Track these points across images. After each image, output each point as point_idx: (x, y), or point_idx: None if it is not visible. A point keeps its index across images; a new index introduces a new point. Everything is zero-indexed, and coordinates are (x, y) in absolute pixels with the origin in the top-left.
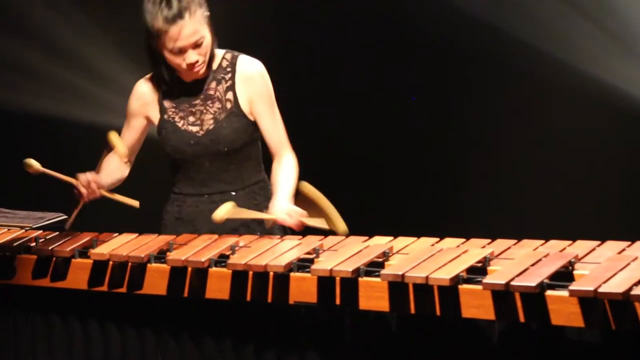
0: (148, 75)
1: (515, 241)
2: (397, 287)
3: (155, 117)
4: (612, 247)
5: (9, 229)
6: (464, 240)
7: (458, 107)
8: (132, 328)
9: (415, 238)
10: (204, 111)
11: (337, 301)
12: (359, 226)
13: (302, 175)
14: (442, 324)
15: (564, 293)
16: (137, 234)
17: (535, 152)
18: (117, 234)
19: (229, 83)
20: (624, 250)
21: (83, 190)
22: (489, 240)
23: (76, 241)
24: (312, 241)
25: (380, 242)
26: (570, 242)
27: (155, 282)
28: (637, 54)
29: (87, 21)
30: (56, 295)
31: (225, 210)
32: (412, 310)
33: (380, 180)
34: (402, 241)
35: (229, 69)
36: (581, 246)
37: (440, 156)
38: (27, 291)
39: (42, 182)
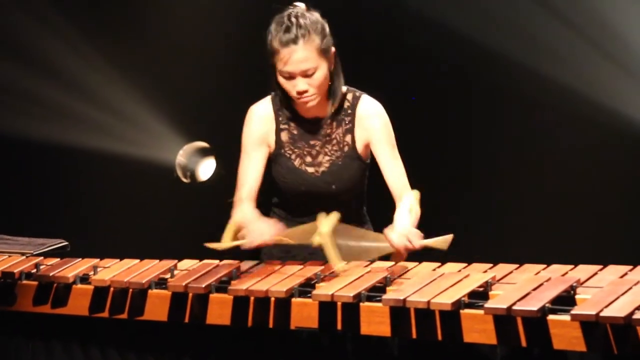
0: (265, 100)
1: (517, 265)
2: (399, 312)
3: (272, 145)
4: (613, 271)
5: (10, 256)
6: (465, 264)
7: (459, 130)
8: (134, 354)
9: (417, 263)
10: (321, 152)
11: (339, 326)
12: None
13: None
14: (444, 349)
15: (565, 317)
16: (138, 260)
17: (538, 176)
18: (118, 260)
19: (348, 126)
20: (625, 274)
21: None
22: (491, 265)
23: (77, 267)
24: (314, 267)
25: (382, 267)
26: (572, 266)
27: (156, 308)
28: (638, 76)
29: (91, 49)
30: (57, 322)
31: (330, 224)
32: (414, 335)
33: (380, 204)
34: (403, 266)
35: (349, 111)
36: (583, 270)
37: (441, 180)
38: (28, 318)
39: (43, 209)
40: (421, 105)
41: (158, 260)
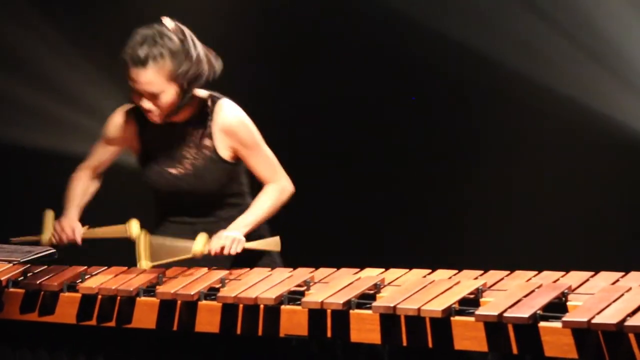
0: (129, 104)
1: (508, 272)
2: (389, 319)
3: (135, 149)
4: (605, 277)
5: None
6: (456, 271)
7: (450, 139)
8: None
9: (407, 270)
10: (182, 155)
11: (329, 334)
12: (350, 258)
13: (296, 206)
14: (435, 356)
15: (557, 324)
16: (126, 267)
17: (529, 183)
18: (105, 267)
19: (207, 130)
20: (617, 281)
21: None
22: (482, 272)
23: (65, 275)
24: (303, 273)
25: (372, 274)
26: (563, 273)
27: (145, 316)
28: (635, 86)
29: (82, 58)
30: (44, 330)
31: (202, 243)
32: (404, 343)
33: (372, 212)
34: (393, 273)
35: (208, 116)
36: (574, 277)
37: (432, 188)
38: (15, 326)
39: (30, 216)
40: (414, 112)
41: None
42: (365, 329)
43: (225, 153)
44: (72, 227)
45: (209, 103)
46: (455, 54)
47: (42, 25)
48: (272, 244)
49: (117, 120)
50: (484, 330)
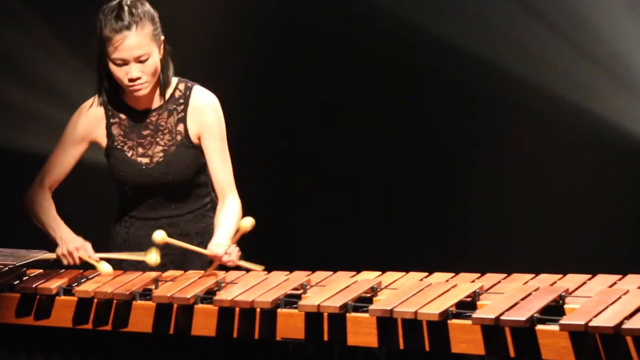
0: (94, 98)
1: (505, 275)
2: (386, 322)
3: (103, 142)
4: (602, 280)
5: None
6: (453, 274)
7: (449, 143)
8: None
9: (404, 273)
10: (154, 142)
11: (325, 337)
12: (347, 261)
13: (294, 208)
14: None
15: (554, 327)
16: (121, 271)
17: (525, 185)
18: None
19: (180, 115)
20: (614, 283)
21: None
22: (479, 275)
23: (60, 278)
24: (300, 277)
25: (368, 277)
26: (560, 275)
27: (141, 320)
28: (635, 89)
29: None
30: (40, 334)
31: (162, 235)
32: (401, 346)
33: (368, 215)
34: (390, 276)
35: (181, 100)
36: (572, 280)
37: (428, 191)
38: (11, 330)
39: (24, 220)
40: (413, 115)
41: (142, 271)
42: (362, 333)
43: (195, 138)
44: (83, 246)
45: (182, 87)
46: (456, 57)
47: (39, 29)
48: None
49: (82, 115)
50: (481, 334)
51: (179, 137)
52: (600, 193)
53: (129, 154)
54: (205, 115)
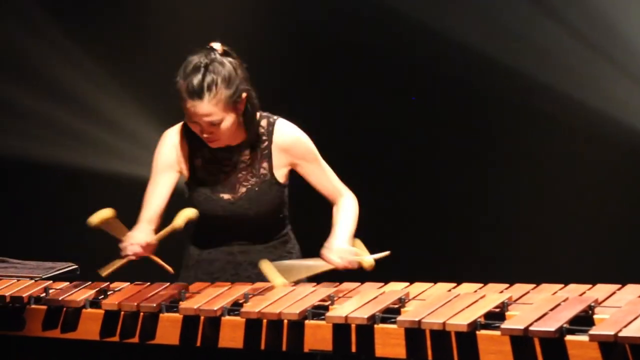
0: (179, 125)
1: (534, 285)
2: (414, 333)
3: (185, 172)
4: (632, 290)
5: (18, 280)
6: (481, 285)
7: (474, 150)
8: None
9: (432, 283)
10: (238, 178)
11: (353, 349)
12: (375, 272)
13: (319, 218)
14: None
15: (584, 338)
16: (148, 283)
17: (554, 195)
18: (128, 283)
19: (265, 152)
20: None
21: (137, 250)
22: (507, 285)
23: (87, 291)
24: (327, 288)
25: (396, 288)
26: (589, 285)
27: (168, 332)
28: None
29: (103, 72)
30: (67, 347)
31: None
32: (430, 357)
33: (396, 225)
34: (418, 287)
35: (264, 137)
36: (601, 290)
37: (457, 201)
38: (38, 343)
39: (51, 232)
40: (435, 122)
41: (169, 283)
42: (390, 344)
43: (281, 173)
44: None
45: (264, 124)
46: (467, 59)
47: (58, 36)
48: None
49: (168, 143)
50: (509, 344)
51: (263, 174)
52: (630, 202)
53: (211, 189)
54: (294, 150)
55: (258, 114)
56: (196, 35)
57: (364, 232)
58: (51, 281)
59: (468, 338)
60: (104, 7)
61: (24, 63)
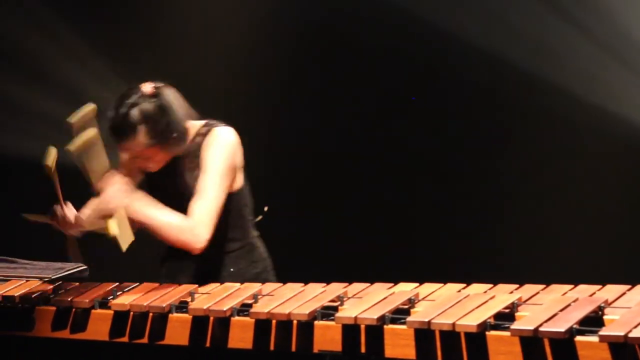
0: None
1: (544, 286)
2: (424, 334)
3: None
4: None
5: (27, 280)
6: (491, 285)
7: (481, 151)
8: None
9: (442, 284)
10: (184, 185)
11: (363, 349)
12: (384, 273)
13: (331, 219)
14: None
15: (594, 338)
16: (157, 284)
17: (564, 196)
18: (137, 284)
19: (198, 154)
20: None
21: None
22: (517, 286)
23: (96, 292)
24: (337, 288)
25: (406, 289)
26: (599, 286)
27: (177, 333)
28: None
29: (110, 72)
30: (76, 347)
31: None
32: (439, 358)
33: (406, 226)
34: (428, 287)
35: (199, 142)
36: (611, 290)
37: (466, 201)
38: (47, 343)
39: (60, 232)
40: (445, 123)
41: (178, 284)
42: (399, 344)
43: None
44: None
45: (204, 130)
46: (475, 59)
47: (64, 34)
48: (126, 238)
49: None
50: (519, 345)
51: (196, 176)
52: (638, 200)
53: (162, 197)
54: (207, 146)
55: (202, 122)
56: (203, 35)
57: (375, 232)
58: (60, 282)
59: (478, 339)
60: (111, 6)
61: (30, 62)
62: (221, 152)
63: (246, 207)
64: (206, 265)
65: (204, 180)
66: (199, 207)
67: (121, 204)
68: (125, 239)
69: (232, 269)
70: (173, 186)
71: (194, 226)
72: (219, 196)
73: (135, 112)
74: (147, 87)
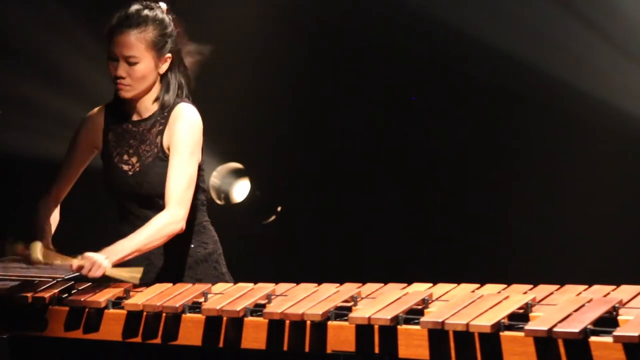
0: (99, 107)
1: (558, 286)
2: (437, 334)
3: (99, 145)
4: None
5: (40, 280)
6: (505, 286)
7: (496, 153)
8: None
9: (455, 284)
10: (136, 152)
11: (376, 350)
12: (398, 273)
13: (344, 220)
14: None
15: (608, 339)
16: (170, 284)
17: (578, 196)
18: (150, 284)
19: (160, 127)
20: None
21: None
22: (531, 286)
23: (109, 292)
24: (350, 289)
25: (420, 289)
26: (614, 286)
27: (190, 333)
28: None
29: None
30: (89, 347)
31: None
32: (453, 358)
33: (419, 226)
34: (441, 288)
35: (166, 114)
36: (625, 291)
37: (480, 202)
38: (60, 343)
39: (75, 233)
40: (451, 123)
41: (192, 284)
42: (413, 345)
43: (168, 151)
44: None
45: (173, 105)
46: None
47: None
48: (134, 272)
49: (86, 122)
50: (533, 346)
51: (155, 150)
52: None
53: (115, 160)
54: (176, 125)
55: (174, 98)
56: (218, 35)
57: (389, 233)
58: (73, 282)
59: (492, 339)
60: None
61: (43, 60)
62: (191, 129)
63: (199, 189)
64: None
65: (177, 159)
66: (175, 186)
67: (108, 266)
68: (134, 275)
69: (175, 252)
70: (127, 147)
71: (170, 215)
72: (192, 173)
73: (152, 12)
74: (165, 6)
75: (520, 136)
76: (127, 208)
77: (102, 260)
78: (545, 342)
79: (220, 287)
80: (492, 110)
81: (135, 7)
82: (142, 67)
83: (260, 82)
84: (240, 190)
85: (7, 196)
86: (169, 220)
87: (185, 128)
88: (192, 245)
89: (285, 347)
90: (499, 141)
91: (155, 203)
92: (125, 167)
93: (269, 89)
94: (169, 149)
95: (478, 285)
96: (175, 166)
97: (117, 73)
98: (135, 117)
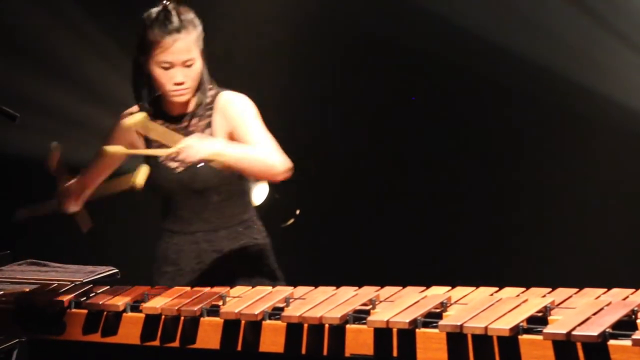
0: (135, 107)
1: (577, 290)
2: (456, 338)
3: (136, 147)
4: None
5: (59, 284)
6: (523, 289)
7: (513, 156)
8: None
9: (474, 288)
10: None
11: (394, 353)
12: (416, 276)
13: (363, 223)
14: None
15: (627, 343)
16: (189, 288)
17: (597, 198)
18: (168, 288)
19: (207, 120)
20: None
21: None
22: (550, 289)
23: (127, 295)
24: (368, 292)
25: (438, 292)
26: (633, 290)
27: (209, 336)
28: None
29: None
30: (107, 351)
31: (135, 120)
32: None
33: (438, 229)
34: (460, 291)
35: (209, 106)
36: None
37: (499, 205)
38: (78, 347)
39: (91, 236)
40: (464, 121)
41: (210, 287)
42: (431, 348)
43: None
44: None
45: (213, 93)
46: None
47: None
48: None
49: (123, 124)
50: (552, 349)
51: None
52: None
53: (160, 159)
54: (229, 112)
55: (213, 87)
56: (236, 32)
57: (408, 235)
58: (92, 285)
59: (510, 343)
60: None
61: (52, 59)
62: (250, 106)
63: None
64: (217, 235)
65: (257, 128)
66: (265, 142)
67: (211, 152)
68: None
69: (240, 243)
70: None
71: (274, 155)
72: (269, 134)
73: (185, 11)
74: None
75: (539, 140)
76: (175, 203)
77: (200, 145)
78: (563, 346)
79: (238, 290)
80: (508, 113)
81: (168, 12)
82: (198, 67)
83: (277, 84)
84: (259, 193)
85: (19, 198)
86: (269, 153)
87: (247, 110)
88: (247, 243)
89: (303, 351)
90: (516, 144)
91: (208, 195)
92: (174, 165)
93: (287, 92)
94: (229, 135)
95: (497, 289)
96: (255, 135)
97: (177, 80)
98: (175, 113)
